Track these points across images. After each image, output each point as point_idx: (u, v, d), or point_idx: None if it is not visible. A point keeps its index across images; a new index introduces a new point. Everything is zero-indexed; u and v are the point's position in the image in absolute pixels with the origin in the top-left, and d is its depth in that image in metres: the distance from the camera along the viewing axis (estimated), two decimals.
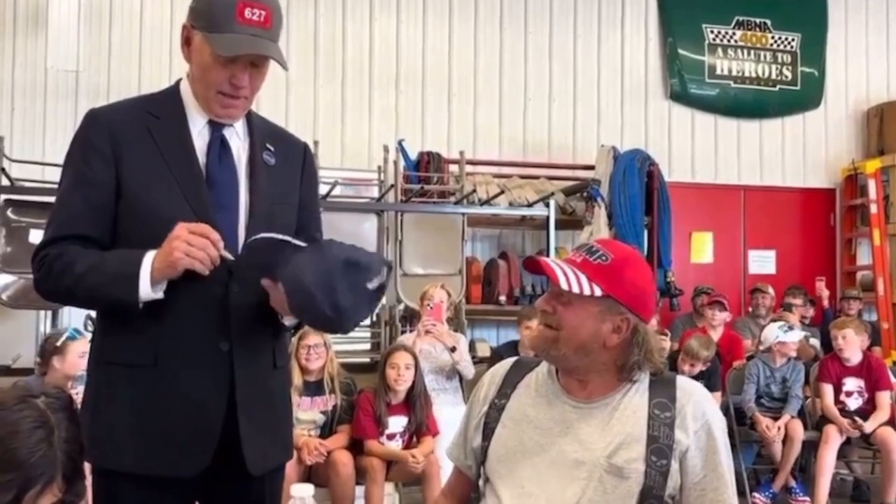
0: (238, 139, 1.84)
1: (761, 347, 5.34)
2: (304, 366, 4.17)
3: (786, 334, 5.19)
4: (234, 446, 1.74)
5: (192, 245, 1.62)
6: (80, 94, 6.42)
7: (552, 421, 1.65)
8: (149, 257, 1.66)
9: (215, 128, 1.80)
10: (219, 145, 1.79)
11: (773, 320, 5.49)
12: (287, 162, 1.90)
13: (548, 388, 1.70)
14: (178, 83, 1.84)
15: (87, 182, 1.72)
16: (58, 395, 1.18)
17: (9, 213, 5.04)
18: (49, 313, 5.30)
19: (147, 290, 1.65)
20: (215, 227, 1.71)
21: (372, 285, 1.68)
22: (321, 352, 4.23)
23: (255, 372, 1.79)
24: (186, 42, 1.77)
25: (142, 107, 1.81)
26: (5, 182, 5.13)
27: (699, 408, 1.62)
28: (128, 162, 1.73)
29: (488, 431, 1.71)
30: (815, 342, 6.18)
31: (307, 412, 4.15)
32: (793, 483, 5.11)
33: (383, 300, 5.79)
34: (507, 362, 1.83)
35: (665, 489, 1.54)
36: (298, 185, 1.91)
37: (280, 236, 1.71)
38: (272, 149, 1.87)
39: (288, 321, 1.80)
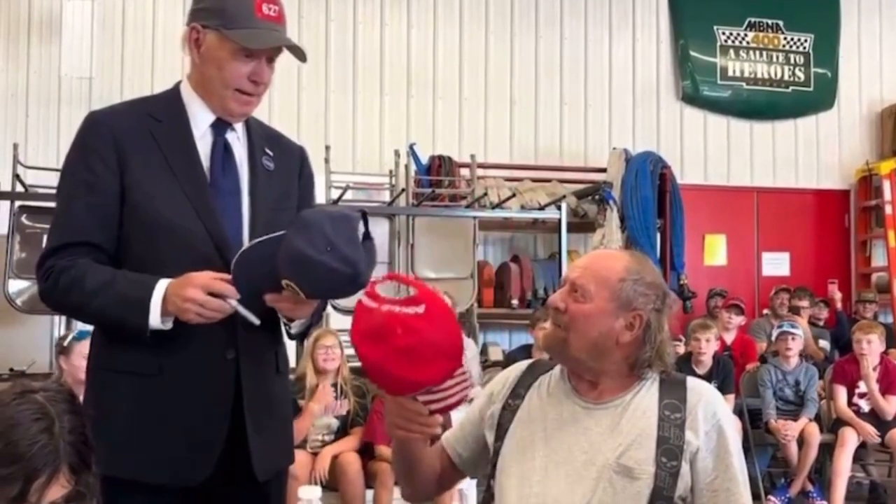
0: (239, 144, 1.83)
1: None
2: (321, 367, 4.20)
3: (790, 327, 5.17)
4: (238, 452, 1.73)
5: (205, 307, 1.62)
6: (93, 101, 6.44)
7: (562, 421, 1.64)
8: (160, 287, 1.64)
9: (218, 132, 1.79)
10: (222, 150, 1.79)
11: (780, 325, 5.46)
12: (285, 166, 1.89)
13: (559, 388, 1.70)
14: (177, 86, 1.83)
15: (92, 188, 1.70)
16: (57, 389, 1.18)
17: (23, 219, 5.07)
18: (64, 319, 5.32)
19: (157, 320, 1.64)
20: (222, 234, 1.71)
21: (361, 232, 1.67)
22: (336, 353, 4.26)
23: (260, 378, 1.78)
24: (196, 44, 1.75)
25: (142, 109, 1.79)
26: (20, 188, 5.17)
27: (710, 408, 1.60)
28: (133, 168, 1.71)
29: (501, 432, 1.70)
30: (825, 344, 6.13)
31: (321, 418, 4.16)
32: (810, 487, 5.07)
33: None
34: (523, 364, 1.81)
35: (675, 490, 1.53)
36: (297, 190, 1.91)
37: (261, 238, 1.68)
38: (271, 153, 1.86)
39: (295, 328, 1.80)
